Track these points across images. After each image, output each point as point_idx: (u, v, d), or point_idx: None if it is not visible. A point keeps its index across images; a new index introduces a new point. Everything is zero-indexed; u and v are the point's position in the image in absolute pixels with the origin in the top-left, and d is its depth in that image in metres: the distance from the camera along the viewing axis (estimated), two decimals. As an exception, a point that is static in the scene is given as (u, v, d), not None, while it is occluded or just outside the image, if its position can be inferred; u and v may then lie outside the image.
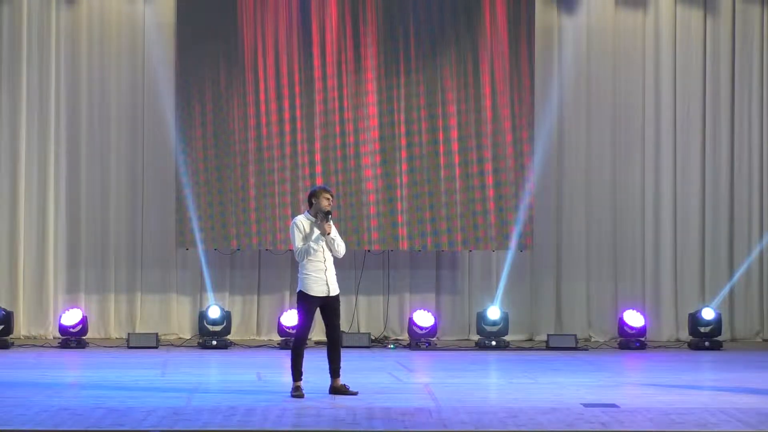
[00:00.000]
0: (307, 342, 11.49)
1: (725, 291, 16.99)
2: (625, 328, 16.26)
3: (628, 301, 16.84)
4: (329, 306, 11.12)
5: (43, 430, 9.13)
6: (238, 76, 16.17)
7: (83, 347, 15.52)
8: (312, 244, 10.98)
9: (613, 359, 15.01)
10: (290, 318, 15.64)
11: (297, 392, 10.93)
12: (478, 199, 16.33)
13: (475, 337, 16.38)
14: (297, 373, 11.03)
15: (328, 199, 11.05)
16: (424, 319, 16.10)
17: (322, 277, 11.05)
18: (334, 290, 11.11)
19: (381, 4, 16.29)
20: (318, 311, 11.17)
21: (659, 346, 16.52)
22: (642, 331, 16.28)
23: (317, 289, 11.04)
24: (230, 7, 16.21)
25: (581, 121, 17.13)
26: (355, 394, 11.01)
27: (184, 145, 16.11)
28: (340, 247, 11.12)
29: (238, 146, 16.19)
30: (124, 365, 13.66)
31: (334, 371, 11.14)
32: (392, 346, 16.06)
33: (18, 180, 16.53)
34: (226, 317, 15.82)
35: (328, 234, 10.99)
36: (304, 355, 11.11)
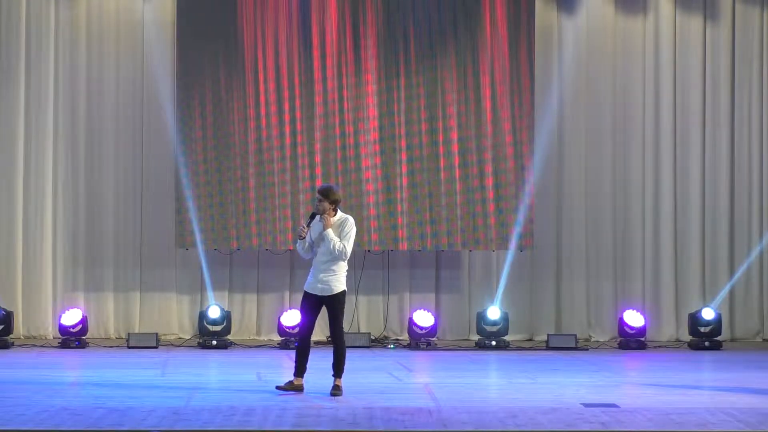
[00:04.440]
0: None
1: (725, 291, 16.99)
2: (625, 328, 16.26)
3: (628, 301, 16.85)
4: (326, 306, 11.14)
5: (43, 430, 9.13)
6: (238, 76, 16.17)
7: (83, 347, 15.52)
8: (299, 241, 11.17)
9: (613, 359, 15.01)
10: (290, 318, 15.65)
11: (284, 385, 11.04)
12: (478, 200, 16.32)
13: (475, 337, 16.38)
14: (296, 369, 11.11)
15: (317, 199, 11.15)
16: (424, 319, 16.10)
17: (315, 276, 11.12)
18: (324, 291, 11.07)
19: (381, 5, 16.29)
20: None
21: (659, 346, 16.52)
22: (642, 331, 16.29)
23: (310, 286, 11.15)
24: (230, 7, 16.21)
25: (581, 122, 17.13)
26: (337, 395, 10.95)
27: (184, 145, 16.11)
28: (336, 248, 11.05)
29: (238, 146, 16.19)
30: (124, 365, 13.66)
31: (335, 370, 11.14)
32: (392, 346, 16.06)
33: (17, 179, 16.51)
34: (226, 317, 15.82)
35: (328, 228, 11.02)
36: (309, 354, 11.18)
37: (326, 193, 11.10)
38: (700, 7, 17.21)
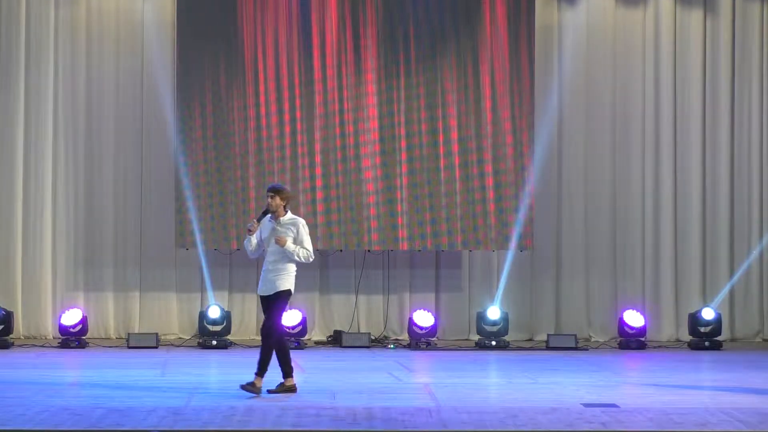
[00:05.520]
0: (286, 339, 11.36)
1: (725, 291, 16.98)
2: (625, 327, 16.26)
3: (628, 301, 16.84)
4: (269, 304, 11.11)
5: (43, 430, 9.13)
6: (238, 76, 16.16)
7: (83, 347, 15.52)
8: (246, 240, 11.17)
9: (613, 359, 15.01)
10: (289, 318, 15.64)
11: (276, 389, 10.97)
12: (478, 200, 16.32)
13: (475, 337, 16.37)
14: (283, 372, 11.08)
15: (268, 196, 11.08)
16: (424, 319, 16.10)
17: (263, 276, 11.13)
18: (268, 290, 11.05)
19: (381, 5, 16.29)
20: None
21: (659, 346, 16.52)
22: (642, 331, 16.29)
23: (259, 289, 11.19)
24: (230, 7, 16.20)
25: (581, 122, 17.13)
26: (250, 391, 10.89)
27: (184, 145, 16.11)
28: (302, 257, 11.05)
29: (238, 146, 16.19)
30: (124, 365, 13.65)
31: (258, 368, 11.00)
32: (392, 346, 16.05)
33: (16, 179, 16.51)
34: (226, 317, 15.82)
35: (282, 244, 10.98)
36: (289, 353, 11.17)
37: (277, 190, 11.10)
38: (700, 1, 17.20)
